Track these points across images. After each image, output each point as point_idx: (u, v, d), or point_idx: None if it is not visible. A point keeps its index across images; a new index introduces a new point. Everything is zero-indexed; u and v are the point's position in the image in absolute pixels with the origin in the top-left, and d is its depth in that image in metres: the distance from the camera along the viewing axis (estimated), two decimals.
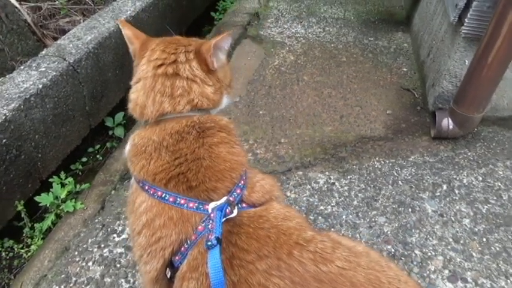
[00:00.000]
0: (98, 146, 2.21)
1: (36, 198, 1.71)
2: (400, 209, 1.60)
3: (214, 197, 0.88)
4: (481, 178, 1.72)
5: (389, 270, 0.80)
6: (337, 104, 2.26)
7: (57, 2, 2.67)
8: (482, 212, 1.58)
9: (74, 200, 1.76)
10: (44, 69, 1.79)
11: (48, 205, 1.71)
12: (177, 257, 0.86)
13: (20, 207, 1.64)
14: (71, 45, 1.97)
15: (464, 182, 1.71)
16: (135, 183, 0.99)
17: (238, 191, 0.89)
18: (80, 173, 2.04)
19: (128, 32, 1.06)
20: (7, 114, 1.56)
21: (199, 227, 0.85)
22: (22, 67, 1.81)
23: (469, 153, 1.86)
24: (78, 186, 1.85)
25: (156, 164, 0.92)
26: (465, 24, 1.74)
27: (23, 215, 1.67)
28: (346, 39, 2.91)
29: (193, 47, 1.02)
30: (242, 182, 0.91)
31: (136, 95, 1.01)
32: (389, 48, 2.80)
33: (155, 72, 0.98)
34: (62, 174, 1.84)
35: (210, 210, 0.85)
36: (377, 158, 1.86)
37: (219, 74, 1.04)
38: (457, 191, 1.67)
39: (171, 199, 0.88)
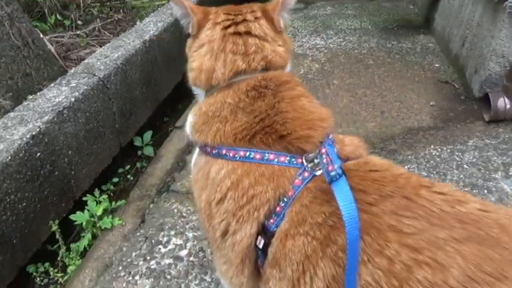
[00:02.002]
0: (128, 167, 2.10)
1: (72, 217, 1.58)
2: (474, 191, 1.45)
3: (306, 147, 0.77)
4: None
5: None
6: (375, 101, 2.16)
7: (78, 32, 2.69)
8: None
9: (110, 216, 1.63)
10: (74, 84, 1.73)
11: (83, 224, 1.58)
12: (271, 220, 0.73)
13: (54, 227, 1.51)
14: (98, 63, 1.92)
15: None
16: (203, 157, 0.88)
17: (331, 142, 0.78)
18: (112, 194, 1.92)
19: (187, 2, 0.97)
20: (41, 127, 1.48)
21: (296, 181, 0.73)
22: (52, 84, 1.76)
23: None
24: (113, 203, 1.73)
25: (234, 125, 0.83)
26: None
27: (57, 236, 1.53)
28: (369, 45, 2.86)
29: (257, 7, 0.97)
30: (331, 135, 0.80)
31: (199, 61, 0.92)
32: (415, 49, 2.73)
33: (225, 33, 0.92)
34: (96, 192, 1.72)
35: (305, 163, 0.75)
36: (432, 146, 1.73)
37: (284, 35, 0.98)
38: None
39: (257, 156, 0.77)
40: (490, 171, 1.53)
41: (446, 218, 0.61)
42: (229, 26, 0.92)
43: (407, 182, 0.68)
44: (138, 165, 2.11)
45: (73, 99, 1.62)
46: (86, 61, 1.96)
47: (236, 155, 0.80)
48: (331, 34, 3.11)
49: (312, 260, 0.67)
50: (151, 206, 1.68)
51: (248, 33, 0.92)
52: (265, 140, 0.79)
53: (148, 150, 2.14)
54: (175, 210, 1.62)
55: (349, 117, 2.04)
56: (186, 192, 1.72)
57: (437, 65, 2.47)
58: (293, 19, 3.47)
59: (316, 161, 0.74)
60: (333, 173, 0.69)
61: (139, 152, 2.16)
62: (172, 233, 1.49)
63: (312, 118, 0.82)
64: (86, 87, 1.72)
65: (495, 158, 1.59)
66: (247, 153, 0.79)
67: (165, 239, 1.46)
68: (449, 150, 1.69)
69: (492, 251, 0.57)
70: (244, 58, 0.90)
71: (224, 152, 0.81)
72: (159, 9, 2.74)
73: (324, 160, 0.72)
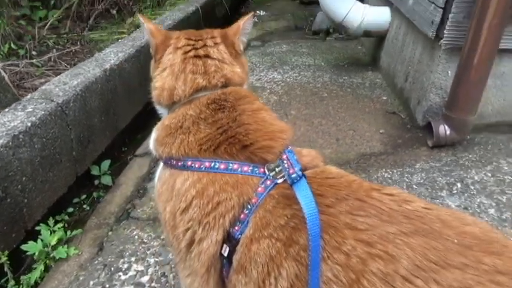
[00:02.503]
0: (83, 196, 2.03)
1: (23, 247, 1.49)
2: None
3: (268, 157, 0.82)
4: (490, 174, 1.73)
5: (465, 215, 0.74)
6: (330, 130, 2.27)
7: (34, 61, 2.64)
8: (503, 201, 1.56)
9: (65, 246, 1.56)
10: (31, 109, 1.68)
11: (36, 254, 1.50)
12: (236, 227, 0.75)
13: (3, 259, 1.42)
14: (57, 89, 1.89)
15: (476, 179, 1.71)
16: (167, 170, 0.90)
17: (291, 151, 0.83)
18: (66, 225, 1.84)
19: (150, 25, 1.04)
20: None
21: (259, 189, 0.77)
22: (7, 109, 1.70)
23: (470, 156, 1.89)
24: (68, 232, 1.65)
25: (197, 136, 0.86)
26: (445, 36, 1.87)
27: (6, 269, 1.44)
28: (323, 80, 3.03)
29: (217, 33, 1.04)
30: (290, 147, 0.86)
31: (162, 81, 0.98)
32: (365, 84, 2.94)
33: (185, 56, 0.98)
34: (50, 221, 1.65)
35: (267, 172, 0.78)
36: (384, 169, 1.84)
37: (242, 59, 1.05)
38: (472, 187, 1.65)
39: (222, 166, 0.80)
40: (436, 190, 1.66)
41: (394, 215, 0.67)
42: (189, 51, 0.99)
43: (360, 186, 0.75)
44: (95, 194, 2.05)
45: (29, 124, 1.58)
46: (43, 87, 1.92)
47: (202, 166, 0.82)
48: (288, 69, 3.28)
49: (276, 261, 0.70)
50: (109, 233, 1.63)
51: (207, 56, 0.98)
52: (229, 150, 0.83)
53: (106, 180, 2.09)
54: (136, 237, 1.58)
55: (307, 144, 2.13)
56: (147, 219, 1.69)
57: (384, 98, 2.67)
58: (251, 55, 3.62)
59: (277, 169, 0.79)
60: (294, 175, 0.74)
61: (96, 182, 2.10)
62: (133, 259, 1.45)
63: (273, 130, 0.87)
64: (43, 112, 1.68)
65: (440, 178, 1.73)
66: (212, 164, 0.82)
67: (125, 265, 1.42)
68: (399, 173, 1.81)
69: (436, 242, 0.63)
70: (204, 76, 0.95)
71: (190, 163, 0.84)
72: (119, 41, 2.77)
73: (285, 165, 0.77)
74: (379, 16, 2.98)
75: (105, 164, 2.13)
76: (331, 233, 0.67)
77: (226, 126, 0.86)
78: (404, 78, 2.51)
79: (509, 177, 1.71)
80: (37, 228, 1.60)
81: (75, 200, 1.98)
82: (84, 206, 1.97)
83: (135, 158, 2.19)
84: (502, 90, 2.04)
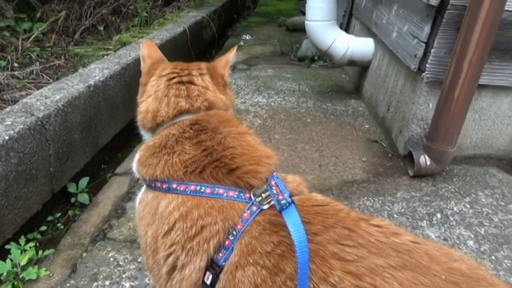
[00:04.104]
0: (58, 214, 1.96)
1: None
2: None
3: (254, 183, 0.81)
4: (468, 206, 1.76)
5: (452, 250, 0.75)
6: (313, 155, 2.29)
7: (15, 73, 2.58)
8: (482, 233, 1.58)
9: (36, 266, 1.49)
10: (9, 122, 1.64)
11: (4, 275, 1.42)
12: (220, 254, 0.73)
13: None
14: (38, 103, 1.85)
15: (455, 210, 1.73)
16: (150, 192, 0.88)
17: (279, 178, 0.82)
18: (38, 244, 1.76)
19: (144, 50, 1.06)
20: None
21: (245, 215, 0.75)
22: None
23: (450, 187, 1.93)
24: (40, 252, 1.58)
25: (182, 158, 0.85)
26: (427, 70, 1.94)
27: None
28: (307, 105, 3.07)
29: (204, 65, 1.08)
30: (275, 172, 0.85)
31: (146, 105, 0.99)
32: (348, 111, 2.99)
33: (169, 83, 1.00)
34: (22, 239, 1.57)
35: (253, 198, 0.77)
36: (366, 198, 1.85)
37: (228, 90, 1.09)
38: (451, 218, 1.68)
39: (207, 190, 0.79)
40: (416, 220, 1.67)
41: (383, 248, 0.67)
42: (173, 78, 1.01)
43: (347, 215, 0.75)
44: (70, 213, 1.98)
45: (7, 138, 1.53)
46: (24, 100, 1.87)
47: (187, 189, 0.81)
48: (272, 93, 3.31)
49: None
50: (84, 254, 1.56)
51: (191, 82, 1.00)
52: (215, 174, 0.82)
53: (83, 198, 2.03)
54: (112, 259, 1.52)
55: (290, 169, 2.13)
56: (124, 240, 1.64)
57: (367, 126, 2.72)
58: (237, 78, 3.65)
59: (264, 195, 0.77)
60: (283, 201, 0.73)
61: (72, 200, 2.04)
62: (107, 283, 1.39)
63: (259, 155, 0.87)
64: (22, 126, 1.63)
65: (420, 208, 1.75)
66: (198, 187, 0.80)
67: None
68: (380, 201, 1.82)
69: (424, 278, 0.63)
70: (187, 100, 0.97)
71: (175, 186, 0.82)
72: (105, 57, 2.75)
73: (274, 191, 0.76)
74: (364, 46, 3.07)
75: (83, 181, 2.07)
76: (318, 262, 0.66)
77: (211, 149, 0.86)
78: (386, 108, 2.57)
79: (487, 210, 1.74)
80: (7, 246, 1.53)
81: (49, 218, 1.91)
82: (58, 225, 1.90)
83: (114, 176, 2.14)
84: (479, 124, 2.11)
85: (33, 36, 3.48)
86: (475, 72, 1.74)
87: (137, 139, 2.85)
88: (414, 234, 0.75)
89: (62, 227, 1.88)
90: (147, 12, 4.27)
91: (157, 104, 0.96)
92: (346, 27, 3.92)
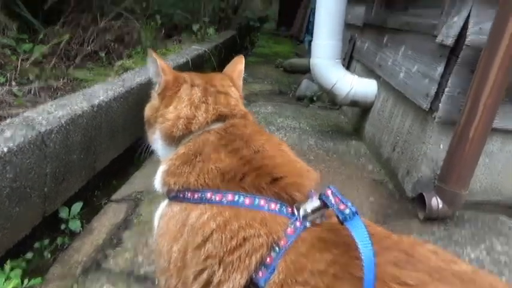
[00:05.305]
0: (46, 242, 1.80)
1: None
2: None
3: (297, 196, 0.75)
4: (485, 253, 1.69)
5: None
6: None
7: (13, 89, 2.49)
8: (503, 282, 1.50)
9: None
10: (9, 135, 1.53)
11: None
12: (260, 273, 0.65)
13: None
14: (40, 117, 1.75)
15: (472, 257, 1.66)
16: (176, 205, 0.81)
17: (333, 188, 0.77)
18: (23, 272, 1.59)
19: (161, 62, 1.03)
20: None
21: (289, 230, 0.68)
22: None
23: (463, 232, 1.86)
24: (26, 281, 1.43)
25: (219, 165, 0.80)
26: (439, 109, 1.93)
27: None
28: (309, 143, 3.04)
29: (227, 77, 1.10)
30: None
31: (177, 112, 0.95)
32: (350, 152, 2.96)
33: (206, 91, 0.98)
34: (8, 265, 1.42)
35: (296, 213, 0.72)
36: None
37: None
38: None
39: (246, 201, 0.72)
40: None
41: (445, 274, 0.60)
42: (210, 87, 1.01)
43: (400, 239, 0.69)
44: (59, 241, 1.82)
45: (5, 150, 1.42)
46: (25, 114, 1.78)
47: (223, 199, 0.74)
48: (273, 129, 3.28)
49: None
50: (74, 286, 1.41)
51: (227, 93, 1.01)
52: (258, 182, 0.76)
53: (75, 224, 1.88)
54: None
55: None
56: (120, 272, 1.50)
57: (370, 167, 2.68)
58: None
59: (308, 210, 0.71)
60: (346, 211, 0.66)
61: (62, 226, 1.89)
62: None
63: (300, 167, 0.83)
64: (22, 139, 1.53)
65: None
66: (236, 197, 0.74)
67: None
68: None
69: None
70: (226, 106, 0.96)
71: (209, 195, 0.76)
72: (108, 79, 2.70)
73: (333, 200, 0.69)
74: (367, 88, 3.10)
75: (76, 206, 1.94)
76: (378, 285, 0.58)
77: (249, 157, 0.81)
78: (391, 149, 2.54)
79: (505, 258, 1.67)
80: None
81: (36, 245, 1.75)
82: (45, 253, 1.74)
83: (110, 203, 2.01)
84: (489, 169, 2.09)
85: (33, 58, 3.42)
86: (490, 114, 1.74)
87: (133, 167, 2.74)
88: (469, 263, 0.69)
89: (49, 255, 1.73)
90: (150, 41, 4.28)
91: (193, 111, 0.93)
92: (346, 68, 3.99)
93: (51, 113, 1.81)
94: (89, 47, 3.95)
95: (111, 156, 2.34)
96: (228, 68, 1.15)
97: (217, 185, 0.77)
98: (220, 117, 0.92)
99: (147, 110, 1.06)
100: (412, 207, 2.09)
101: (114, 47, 4.09)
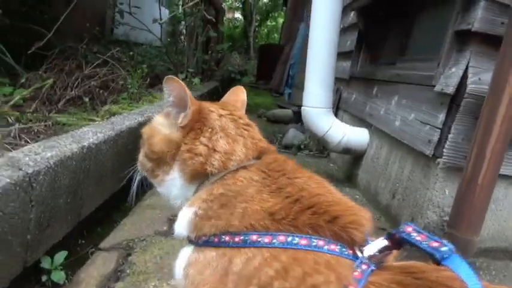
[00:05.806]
0: None
1: None
2: None
3: (356, 237, 0.67)
4: None
5: None
6: None
7: None
8: None
9: None
10: None
11: None
12: None
13: None
14: (27, 158, 1.60)
15: None
16: (209, 251, 0.70)
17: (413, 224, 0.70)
18: None
19: (187, 91, 0.93)
20: None
21: (356, 273, 0.61)
22: None
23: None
24: None
25: (265, 205, 0.71)
26: (444, 155, 1.91)
27: None
28: None
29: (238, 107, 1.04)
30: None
31: (211, 145, 0.85)
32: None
33: (237, 123, 0.91)
34: None
35: (360, 254, 0.65)
36: None
37: None
38: None
39: (302, 242, 0.64)
40: None
41: None
42: (238, 119, 0.93)
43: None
44: None
45: None
46: (10, 154, 1.63)
47: (274, 240, 0.66)
48: None
49: None
50: None
51: (252, 125, 0.94)
52: (315, 221, 0.68)
53: (58, 276, 1.67)
54: None
55: None
56: None
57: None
58: None
59: (373, 252, 0.65)
60: (444, 249, 0.60)
61: (44, 278, 1.67)
62: None
63: (353, 205, 0.75)
64: (8, 180, 1.37)
65: None
66: (289, 238, 0.65)
67: None
68: None
69: None
70: (261, 141, 0.90)
71: (255, 238, 0.67)
72: (96, 122, 2.58)
73: (418, 238, 0.64)
74: (359, 136, 3.11)
75: (60, 256, 1.73)
76: None
77: (296, 195, 0.73)
78: (390, 196, 2.49)
79: None
80: None
81: None
82: None
83: (99, 251, 1.82)
84: (496, 215, 2.05)
85: (13, 101, 3.28)
86: (497, 159, 1.73)
87: (120, 213, 2.54)
88: None
89: None
90: (136, 89, 4.23)
91: (231, 143, 0.84)
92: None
93: (38, 154, 1.67)
94: (73, 92, 3.84)
95: (97, 202, 2.17)
96: (229, 98, 1.06)
97: (266, 227, 0.68)
98: (261, 153, 0.85)
99: (157, 146, 0.91)
100: (419, 255, 1.99)
101: (98, 93, 4.00)
